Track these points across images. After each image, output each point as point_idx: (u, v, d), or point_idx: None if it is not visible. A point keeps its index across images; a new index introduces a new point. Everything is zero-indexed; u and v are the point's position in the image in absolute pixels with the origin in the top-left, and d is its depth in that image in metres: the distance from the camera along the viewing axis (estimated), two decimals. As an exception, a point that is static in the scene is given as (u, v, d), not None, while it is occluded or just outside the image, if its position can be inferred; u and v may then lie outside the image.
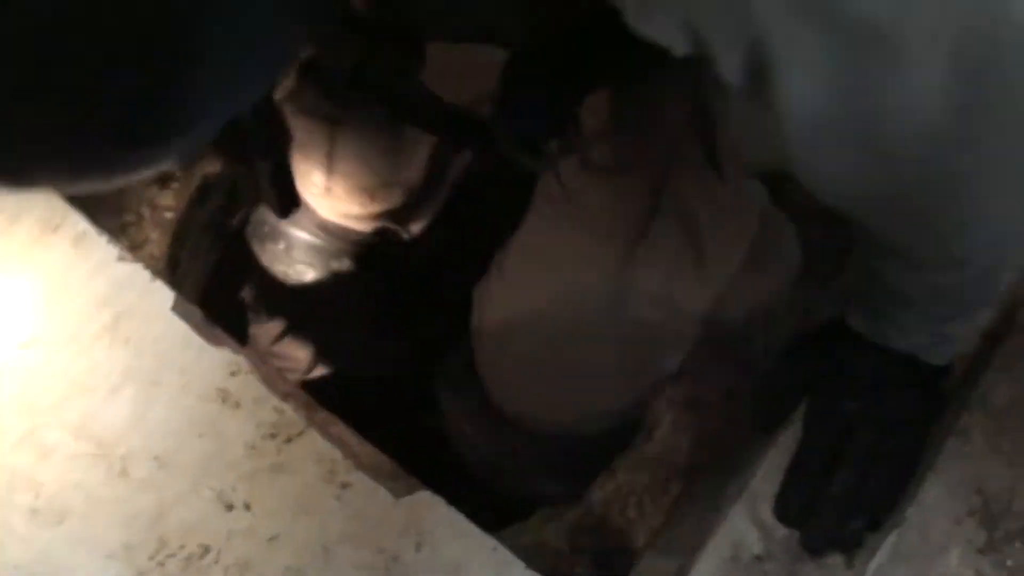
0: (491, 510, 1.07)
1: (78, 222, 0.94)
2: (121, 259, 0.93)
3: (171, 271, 1.38)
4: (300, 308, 1.31)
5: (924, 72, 0.51)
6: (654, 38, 0.53)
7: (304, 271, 1.30)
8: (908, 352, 0.85)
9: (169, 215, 1.48)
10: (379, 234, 1.29)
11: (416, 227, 1.31)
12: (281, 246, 1.29)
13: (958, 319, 0.84)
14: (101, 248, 0.94)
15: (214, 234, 1.36)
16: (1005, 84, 0.52)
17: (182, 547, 0.85)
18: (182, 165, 1.39)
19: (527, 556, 0.91)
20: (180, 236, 1.41)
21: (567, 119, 0.88)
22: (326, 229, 1.28)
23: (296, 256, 1.30)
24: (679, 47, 0.53)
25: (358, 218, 1.27)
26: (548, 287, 1.03)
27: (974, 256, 0.73)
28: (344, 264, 1.31)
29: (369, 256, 1.32)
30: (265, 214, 1.28)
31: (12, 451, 0.86)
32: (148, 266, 0.96)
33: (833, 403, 0.88)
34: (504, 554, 0.88)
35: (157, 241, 1.48)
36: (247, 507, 0.87)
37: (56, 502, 0.85)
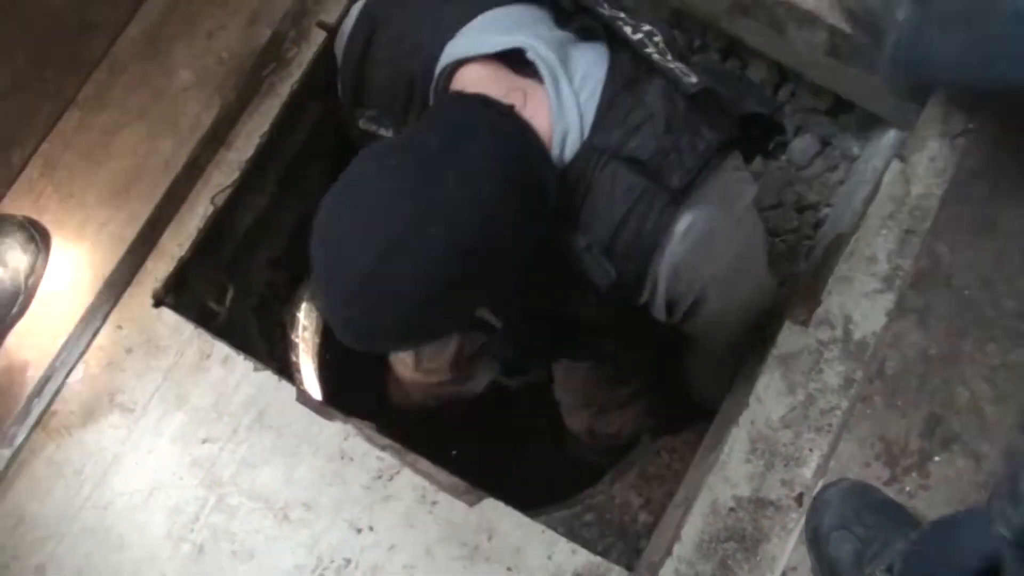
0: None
1: (223, 348, 1.34)
2: (256, 370, 1.33)
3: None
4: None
5: None
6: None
7: None
8: None
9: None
10: None
11: None
12: None
13: None
14: (241, 364, 1.33)
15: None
16: None
17: (332, 562, 1.25)
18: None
19: (567, 532, 1.27)
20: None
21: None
22: None
23: None
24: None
25: None
26: None
27: None
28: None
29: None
30: None
31: (211, 513, 1.28)
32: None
33: None
34: (551, 535, 1.25)
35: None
36: (371, 528, 1.27)
37: (246, 545, 1.26)
